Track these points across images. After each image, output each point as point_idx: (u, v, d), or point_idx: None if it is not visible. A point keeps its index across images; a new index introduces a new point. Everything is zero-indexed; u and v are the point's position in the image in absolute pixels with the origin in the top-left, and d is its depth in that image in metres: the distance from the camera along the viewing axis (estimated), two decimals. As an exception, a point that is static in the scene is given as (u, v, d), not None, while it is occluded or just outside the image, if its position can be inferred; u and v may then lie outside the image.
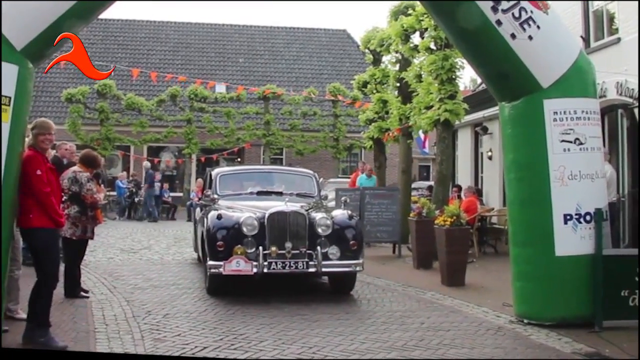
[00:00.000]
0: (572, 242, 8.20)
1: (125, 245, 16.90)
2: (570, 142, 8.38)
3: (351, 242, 10.03)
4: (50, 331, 7.07)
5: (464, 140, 22.75)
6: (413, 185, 22.55)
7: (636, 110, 12.83)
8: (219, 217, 9.99)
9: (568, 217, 8.21)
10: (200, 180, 28.76)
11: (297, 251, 9.72)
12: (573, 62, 8.51)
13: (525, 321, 8.46)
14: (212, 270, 9.69)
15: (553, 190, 8.25)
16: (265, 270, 9.54)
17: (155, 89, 33.51)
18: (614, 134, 14.65)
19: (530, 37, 8.15)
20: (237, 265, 9.43)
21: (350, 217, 10.43)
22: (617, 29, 14.35)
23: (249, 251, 9.64)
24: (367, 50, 20.21)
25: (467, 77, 58.18)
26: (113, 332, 7.84)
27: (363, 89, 21.17)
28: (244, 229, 9.74)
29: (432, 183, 21.35)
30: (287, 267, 9.62)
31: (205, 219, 10.46)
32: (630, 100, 13.29)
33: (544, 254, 8.26)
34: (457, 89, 14.82)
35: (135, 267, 13.12)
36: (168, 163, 34.50)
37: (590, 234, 8.21)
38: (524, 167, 8.59)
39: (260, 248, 9.63)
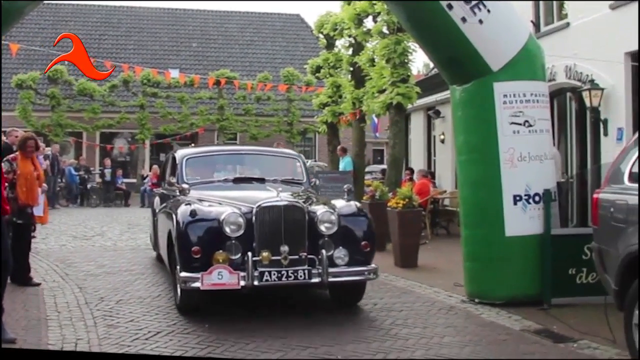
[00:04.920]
0: (521, 222, 8.34)
1: (78, 232, 16.71)
2: (520, 124, 8.51)
3: (362, 243, 7.95)
4: (2, 320, 6.94)
5: (417, 124, 22.92)
6: (367, 169, 22.69)
7: (584, 94, 13.05)
8: (193, 213, 7.71)
9: (517, 198, 8.36)
10: (155, 166, 28.63)
11: (296, 256, 7.58)
12: (523, 46, 8.62)
13: (476, 300, 8.60)
14: (186, 285, 7.47)
15: (503, 171, 8.38)
16: (256, 282, 7.34)
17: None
18: (563, 117, 14.92)
19: (480, 21, 8.22)
20: (220, 278, 7.23)
21: (360, 211, 8.36)
22: (566, 14, 14.55)
23: (233, 258, 7.50)
24: (320, 35, 20.19)
25: (420, 61, 58.52)
26: (65, 319, 7.78)
27: (317, 73, 21.15)
28: (227, 229, 7.57)
29: (385, 166, 21.50)
30: (283, 278, 7.41)
31: (173, 216, 8.19)
32: (579, 83, 13.52)
33: (494, 234, 8.40)
34: (410, 72, 14.94)
35: (88, 254, 12.99)
36: (121, 149, 34.19)
37: (539, 215, 8.37)
38: (474, 149, 8.71)
39: (249, 254, 7.42)
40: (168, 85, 31.66)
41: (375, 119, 24.06)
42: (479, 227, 8.68)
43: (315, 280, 7.53)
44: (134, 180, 31.47)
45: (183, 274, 7.52)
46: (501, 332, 7.33)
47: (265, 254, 7.48)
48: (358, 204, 8.59)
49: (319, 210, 7.97)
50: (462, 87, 8.88)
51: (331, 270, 7.60)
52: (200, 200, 8.33)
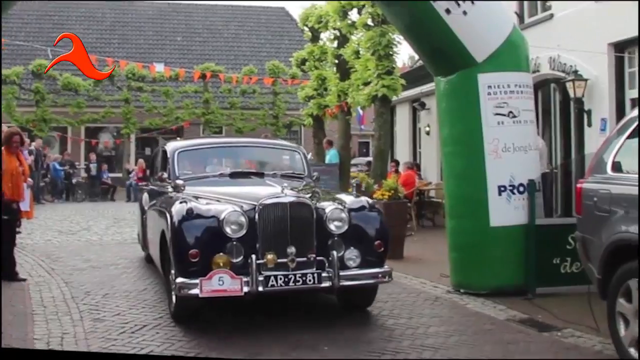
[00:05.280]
0: (506, 213, 8.39)
1: (64, 227, 16.67)
2: (504, 115, 8.55)
3: (376, 243, 7.30)
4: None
5: (402, 116, 22.98)
6: (352, 161, 22.72)
7: (568, 85, 13.12)
8: (190, 212, 7.00)
9: (502, 189, 8.40)
10: (141, 160, 28.58)
11: (304, 258, 6.93)
12: (506, 37, 8.65)
13: (462, 291, 8.65)
14: (183, 292, 6.79)
15: (487, 162, 8.42)
16: (261, 288, 6.69)
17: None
18: (547, 108, 14.99)
19: (464, 12, 8.24)
20: (221, 284, 6.58)
21: (371, 207, 7.64)
22: (550, 6, 14.61)
23: (234, 261, 6.83)
24: (305, 28, 20.21)
25: (406, 54, 58.59)
26: (51, 313, 7.76)
27: (302, 66, 21.16)
28: (227, 230, 6.90)
29: (371, 159, 21.53)
30: (291, 283, 6.78)
31: (166, 214, 7.46)
32: (563, 74, 13.59)
33: (479, 225, 8.44)
34: (395, 64, 14.98)
35: (74, 248, 12.97)
36: (106, 144, 34.07)
37: (523, 205, 8.41)
38: (459, 141, 8.75)
39: (253, 257, 6.78)
40: (153, 79, 31.53)
41: (361, 111, 24.06)
42: (464, 218, 8.72)
43: (326, 284, 6.89)
44: (120, 175, 31.37)
45: (179, 279, 6.80)
46: (486, 321, 7.38)
47: (270, 256, 6.83)
48: (369, 200, 7.90)
49: (328, 207, 7.30)
50: (446, 78, 8.90)
51: (342, 273, 6.95)
52: (196, 197, 7.57)
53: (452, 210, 8.95)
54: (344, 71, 17.43)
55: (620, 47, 12.47)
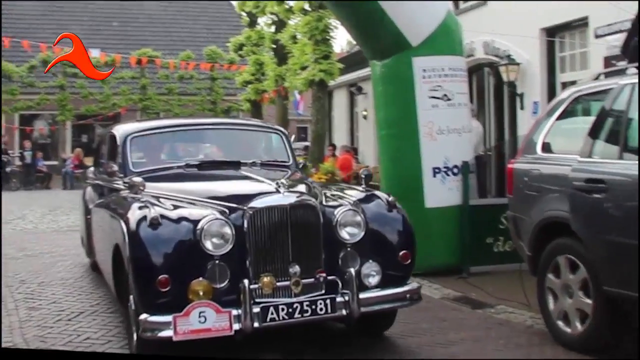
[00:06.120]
0: (440, 194, 8.54)
1: (-3, 216, 16.33)
2: (439, 98, 8.67)
3: (401, 253, 5.63)
4: None
5: (340, 100, 23.11)
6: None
7: (501, 69, 13.37)
8: (154, 223, 5.08)
9: (437, 170, 8.54)
10: (78, 149, 28.18)
11: (311, 279, 5.25)
12: (441, 22, 8.76)
13: (399, 271, 8.74)
14: (152, 334, 4.92)
15: (422, 145, 8.54)
16: (257, 323, 4.96)
17: (26, 55, 32.16)
18: (481, 92, 15.24)
19: (399, -3, 8.33)
20: (202, 321, 4.82)
21: (391, 205, 5.91)
22: (484, -9, 14.84)
23: (218, 286, 5.05)
24: (242, 13, 20.16)
25: (344, 39, 58.72)
26: (-15, 303, 7.64)
27: (239, 51, 21.11)
28: (207, 245, 5.08)
29: (308, 143, 21.63)
30: (296, 314, 5.09)
31: (121, 224, 5.44)
32: (497, 59, 13.83)
33: (415, 206, 8.49)
34: (332, 49, 15.08)
35: (8, 237, 12.69)
36: (41, 131, 33.41)
37: (457, 186, 8.57)
38: (394, 124, 8.85)
39: (245, 282, 5.02)
40: (89, 64, 30.96)
41: (298, 96, 24.19)
42: (399, 200, 8.77)
43: (343, 312, 5.20)
44: (56, 163, 30.82)
45: (144, 317, 4.92)
46: (422, 301, 7.50)
47: (267, 278, 5.10)
48: (386, 195, 6.07)
49: (338, 209, 5.57)
50: (382, 62, 8.99)
51: (362, 296, 5.27)
52: (158, 198, 5.68)
53: (388, 192, 9.04)
54: (281, 56, 17.47)
55: (551, 32, 12.75)
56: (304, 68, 15.21)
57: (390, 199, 5.97)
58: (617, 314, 5.20)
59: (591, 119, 5.77)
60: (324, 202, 5.71)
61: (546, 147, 6.32)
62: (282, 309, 5.07)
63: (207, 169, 6.89)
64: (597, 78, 6.17)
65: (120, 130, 7.52)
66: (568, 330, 5.60)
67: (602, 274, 5.20)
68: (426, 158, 8.54)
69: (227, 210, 5.34)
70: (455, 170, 8.57)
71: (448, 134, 8.62)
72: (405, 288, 5.61)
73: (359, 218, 5.56)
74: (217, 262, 5.09)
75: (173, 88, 33.11)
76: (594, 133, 5.59)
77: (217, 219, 5.18)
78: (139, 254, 5.10)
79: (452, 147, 8.62)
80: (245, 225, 5.21)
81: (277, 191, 5.40)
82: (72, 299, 7.78)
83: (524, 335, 6.16)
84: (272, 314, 5.03)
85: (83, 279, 8.85)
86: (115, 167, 7.06)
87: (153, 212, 5.17)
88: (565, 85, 11.84)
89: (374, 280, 5.45)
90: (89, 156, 28.76)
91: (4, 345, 5.90)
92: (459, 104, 8.80)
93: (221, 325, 4.87)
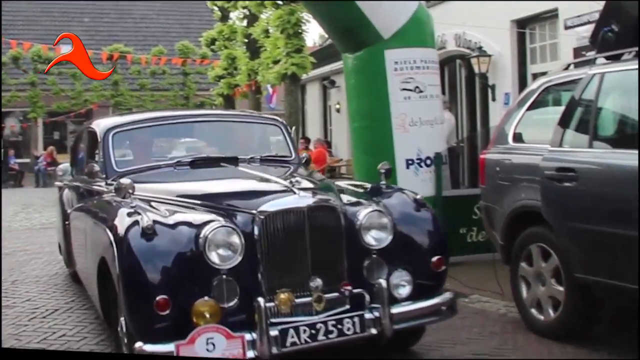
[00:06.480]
0: (413, 185, 8.41)
1: (-32, 215, 16.17)
2: (411, 90, 8.68)
3: (434, 260, 4.91)
4: None
5: (313, 94, 23.16)
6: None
7: (473, 61, 13.45)
8: (148, 232, 4.31)
9: (410, 162, 8.55)
10: (51, 147, 27.99)
11: (335, 294, 4.51)
12: (412, 14, 8.75)
13: (373, 263, 8.74)
14: None
15: (395, 136, 8.55)
16: (275, 349, 4.20)
17: (-5, 52, 31.95)
18: (454, 84, 15.34)
19: (371, -10, 8.34)
20: (211, 350, 4.07)
21: (420, 204, 5.20)
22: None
23: (226, 306, 4.28)
24: (214, 7, 20.10)
25: (316, 33, 58.68)
26: (-43, 303, 7.57)
27: (211, 46, 21.06)
28: (213, 257, 4.31)
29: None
30: (320, 335, 4.32)
31: (107, 233, 4.64)
32: (468, 51, 13.92)
33: (388, 198, 8.58)
34: (304, 43, 15.10)
35: (-20, 235, 12.62)
36: (13, 128, 33.13)
37: (430, 177, 8.59)
38: (367, 116, 8.87)
39: (260, 300, 4.25)
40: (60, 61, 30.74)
41: (271, 90, 24.20)
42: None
43: (373, 331, 4.46)
44: (28, 160, 30.61)
45: (140, 345, 4.11)
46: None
47: (284, 295, 4.34)
48: (412, 192, 5.39)
49: (361, 209, 4.84)
50: (354, 55, 9.00)
51: (394, 310, 4.56)
52: (149, 202, 4.90)
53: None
54: (253, 50, 17.46)
55: (522, 24, 12.88)
56: (276, 62, 15.20)
57: (418, 196, 5.26)
58: (588, 301, 5.27)
59: (561, 108, 5.83)
60: (343, 203, 4.90)
61: (517, 137, 6.36)
62: (304, 331, 4.28)
63: (201, 167, 6.03)
64: (566, 68, 6.23)
65: (100, 125, 6.65)
66: (541, 317, 5.66)
67: (573, 261, 5.26)
68: (399, 150, 8.55)
69: (235, 216, 4.57)
70: (428, 162, 8.59)
71: (420, 125, 8.64)
72: (439, 299, 4.88)
73: (386, 220, 4.82)
74: (224, 277, 4.30)
75: (145, 84, 32.99)
76: (564, 122, 5.65)
77: (222, 226, 4.38)
78: (131, 271, 4.29)
79: (425, 138, 8.64)
80: (256, 232, 4.44)
81: (291, 191, 4.62)
82: (46, 296, 7.74)
83: (498, 323, 6.21)
84: (292, 336, 4.26)
85: (57, 276, 8.79)
86: (97, 167, 6.24)
87: (146, 219, 4.36)
88: (536, 76, 11.95)
89: (404, 291, 4.71)
90: (61, 153, 28.70)
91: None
92: (431, 95, 8.82)
93: (233, 353, 4.12)
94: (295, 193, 4.58)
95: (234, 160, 6.03)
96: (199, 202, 4.90)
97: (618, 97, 5.53)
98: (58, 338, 6.15)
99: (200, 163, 6.08)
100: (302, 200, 4.54)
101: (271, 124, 7.09)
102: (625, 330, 5.42)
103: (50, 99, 31.38)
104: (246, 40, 18.08)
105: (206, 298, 4.22)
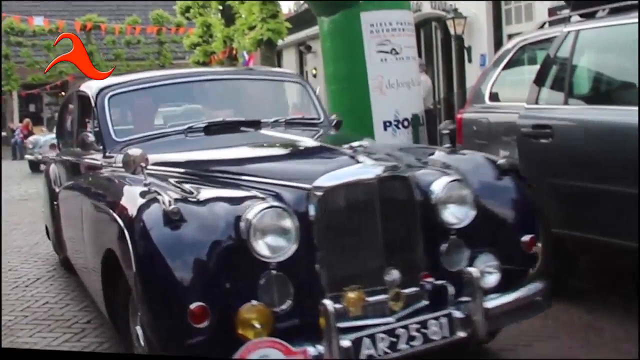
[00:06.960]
0: (392, 147, 8.60)
1: (-55, 188, 16.05)
2: (387, 52, 8.68)
3: (524, 239, 3.94)
4: None
5: (289, 59, 23.10)
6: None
7: (448, 23, 13.46)
8: (174, 218, 3.20)
9: (387, 124, 8.57)
10: (27, 119, 27.76)
11: (415, 289, 3.55)
12: (387, -24, 8.78)
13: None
14: None
15: (372, 99, 8.55)
16: None
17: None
18: (430, 46, 15.35)
19: (345, -48, 8.31)
20: None
21: (502, 169, 4.16)
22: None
23: (279, 310, 3.23)
24: (188, -26, 19.91)
25: (292, 2, 58.40)
26: None
27: (186, 13, 20.90)
28: (259, 248, 3.23)
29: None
30: (401, 344, 3.31)
31: (118, 221, 3.52)
32: (444, 13, 13.92)
33: (367, 161, 8.61)
34: (279, 8, 15.07)
35: (-43, 209, 12.55)
36: (-14, 102, 32.83)
37: (409, 139, 8.59)
38: (343, 79, 8.85)
39: (327, 302, 3.20)
40: (33, 33, 30.41)
41: (247, 56, 24.12)
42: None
43: (461, 334, 3.48)
44: (4, 134, 30.37)
45: None
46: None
47: (353, 293, 3.36)
48: (490, 156, 4.46)
49: (438, 181, 3.76)
50: (329, 18, 8.96)
51: (488, 305, 3.59)
52: (165, 179, 3.88)
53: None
54: (229, 17, 17.35)
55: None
56: (251, 28, 15.12)
57: (501, 161, 4.22)
58: (564, 255, 5.36)
59: (537, 67, 5.87)
60: (414, 172, 3.86)
61: (494, 97, 6.43)
62: (382, 339, 3.28)
63: (219, 133, 4.92)
64: (542, 27, 6.27)
65: (93, 87, 5.62)
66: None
67: (549, 216, 5.34)
68: (376, 112, 8.56)
69: (282, 193, 3.50)
70: (406, 123, 8.61)
71: (397, 87, 8.64)
72: (534, 288, 3.91)
73: (467, 192, 3.79)
74: (274, 272, 3.25)
75: (120, 54, 32.76)
76: (539, 80, 5.68)
77: (271, 206, 3.30)
78: (155, 271, 3.24)
79: (402, 100, 8.64)
80: (312, 212, 3.40)
81: (353, 159, 3.59)
82: (28, 266, 7.77)
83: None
84: (368, 348, 3.25)
85: (39, 245, 8.79)
86: (91, 137, 5.27)
87: (168, 199, 3.31)
88: (511, 37, 11.97)
89: (491, 280, 3.69)
90: (37, 125, 28.49)
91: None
92: (407, 57, 8.80)
93: None
94: (359, 161, 3.56)
95: (256, 124, 5.05)
96: (230, 176, 3.86)
97: (593, 54, 5.57)
98: (41, 305, 6.18)
99: (216, 129, 4.98)
100: (369, 169, 3.53)
101: (293, 81, 6.40)
102: (603, 284, 5.53)
103: (24, 71, 31.09)
104: (221, 7, 17.94)
105: (253, 302, 3.18)
